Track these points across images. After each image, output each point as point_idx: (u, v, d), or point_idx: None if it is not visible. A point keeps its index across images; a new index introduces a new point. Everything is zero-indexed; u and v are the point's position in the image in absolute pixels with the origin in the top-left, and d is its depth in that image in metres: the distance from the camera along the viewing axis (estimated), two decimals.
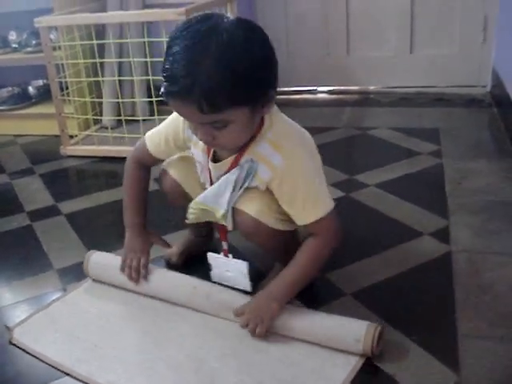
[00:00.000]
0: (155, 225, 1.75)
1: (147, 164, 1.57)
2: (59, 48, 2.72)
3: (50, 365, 1.34)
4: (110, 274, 1.59)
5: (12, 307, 1.60)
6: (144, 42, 2.61)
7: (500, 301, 1.45)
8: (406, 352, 1.30)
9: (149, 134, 1.52)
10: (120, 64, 2.93)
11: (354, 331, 1.28)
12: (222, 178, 1.35)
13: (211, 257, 1.52)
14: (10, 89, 3.20)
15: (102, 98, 2.91)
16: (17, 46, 3.19)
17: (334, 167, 2.33)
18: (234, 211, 1.37)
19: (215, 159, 1.38)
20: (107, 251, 1.67)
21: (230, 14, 2.85)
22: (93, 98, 2.81)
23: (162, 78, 1.15)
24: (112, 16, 2.58)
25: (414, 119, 2.88)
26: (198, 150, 1.42)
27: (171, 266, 1.68)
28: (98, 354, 1.36)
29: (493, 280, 1.53)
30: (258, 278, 1.53)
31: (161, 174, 1.58)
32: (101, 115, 2.92)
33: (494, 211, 1.88)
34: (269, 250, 1.51)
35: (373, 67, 3.38)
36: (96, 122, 2.94)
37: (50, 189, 2.39)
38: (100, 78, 2.71)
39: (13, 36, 3.23)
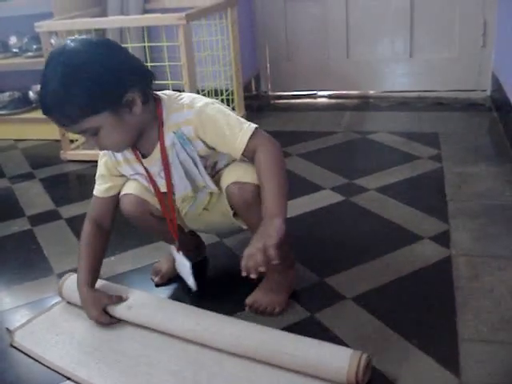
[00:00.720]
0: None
1: (105, 221, 1.53)
2: None
3: (50, 368, 1.35)
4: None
5: (12, 311, 1.60)
6: (144, 47, 2.61)
7: (500, 305, 1.45)
8: (407, 356, 1.29)
9: (94, 189, 1.54)
10: None
11: (338, 359, 1.21)
12: (172, 164, 1.41)
13: (172, 249, 1.58)
14: (11, 93, 3.19)
15: None
16: (17, 50, 3.20)
17: (333, 171, 2.34)
18: (229, 187, 1.40)
19: (145, 157, 1.44)
20: (107, 256, 1.67)
21: (230, 19, 2.86)
22: None
23: None
24: (112, 21, 2.59)
25: (414, 123, 2.89)
26: (129, 163, 1.46)
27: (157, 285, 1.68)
28: (97, 357, 1.36)
29: (493, 284, 1.53)
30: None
31: (120, 201, 1.52)
32: None
33: (494, 215, 1.89)
34: (253, 210, 1.41)
35: (372, 71, 3.39)
36: None
37: (51, 193, 2.39)
38: None
39: (13, 41, 3.24)
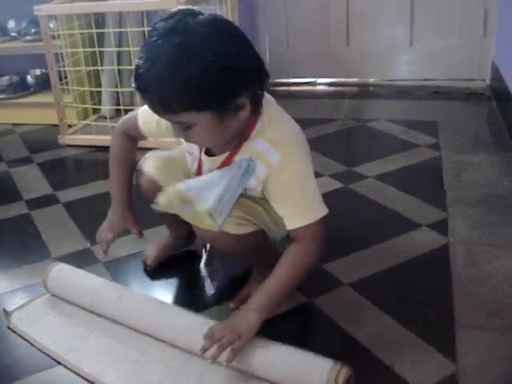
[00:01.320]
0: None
1: (134, 137, 1.50)
2: (58, 37, 2.71)
3: (43, 352, 1.35)
4: (70, 295, 1.52)
5: (10, 294, 1.60)
6: (144, 31, 2.59)
7: (497, 292, 1.45)
8: (404, 342, 1.30)
9: (142, 108, 1.41)
10: (119, 53, 2.92)
11: (316, 371, 1.15)
12: (216, 172, 1.28)
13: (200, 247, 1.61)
14: (9, 77, 3.18)
15: (100, 87, 2.90)
16: (16, 34, 3.17)
17: (332, 159, 2.34)
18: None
19: (209, 153, 1.33)
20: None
21: (230, 5, 2.85)
22: (92, 87, 2.80)
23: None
24: (112, 5, 2.57)
25: (413, 112, 2.88)
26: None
27: (146, 267, 1.68)
28: (90, 342, 1.36)
29: (490, 272, 1.53)
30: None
31: (137, 174, 1.51)
32: (99, 104, 2.91)
33: (492, 204, 1.89)
34: (239, 255, 1.48)
35: (372, 59, 3.38)
36: (95, 111, 2.94)
37: (48, 178, 2.39)
38: (99, 67, 2.70)
39: (12, 24, 3.21)
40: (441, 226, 1.77)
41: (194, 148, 1.36)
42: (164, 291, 1.59)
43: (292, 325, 1.41)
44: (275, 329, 1.37)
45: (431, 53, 3.25)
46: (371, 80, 3.41)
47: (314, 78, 3.51)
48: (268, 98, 1.28)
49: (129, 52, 2.72)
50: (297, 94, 3.40)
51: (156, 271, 1.66)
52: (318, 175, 2.14)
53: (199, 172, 1.37)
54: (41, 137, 2.90)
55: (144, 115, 1.41)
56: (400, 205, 1.92)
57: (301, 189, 1.25)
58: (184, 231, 1.66)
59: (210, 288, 1.53)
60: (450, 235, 1.72)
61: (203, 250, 1.57)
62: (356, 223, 1.84)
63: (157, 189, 1.41)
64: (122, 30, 2.70)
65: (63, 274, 1.54)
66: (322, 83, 3.49)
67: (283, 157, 1.23)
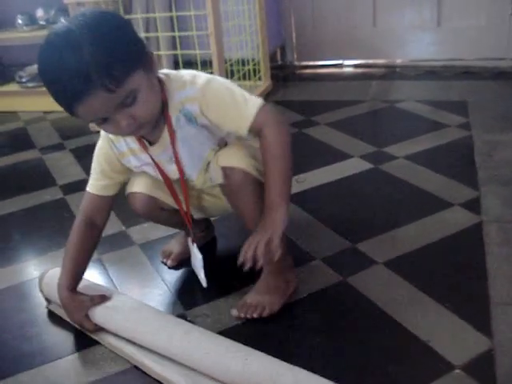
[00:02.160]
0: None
1: (99, 218, 1.45)
2: None
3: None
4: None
5: None
6: (171, 17, 2.61)
7: None
8: (440, 319, 1.31)
9: (88, 184, 1.44)
10: (147, 39, 2.94)
11: None
12: (178, 142, 1.32)
13: (188, 240, 1.52)
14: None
15: None
16: (44, 23, 3.21)
17: (362, 140, 2.34)
18: (221, 169, 1.33)
19: (151, 144, 1.34)
20: (140, 222, 1.70)
21: None
22: None
23: (54, 94, 1.12)
24: None
25: (442, 92, 2.87)
26: (134, 154, 1.37)
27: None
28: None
29: None
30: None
31: (128, 199, 1.49)
32: None
33: None
34: (250, 208, 1.37)
35: (399, 40, 3.36)
36: None
37: (81, 163, 2.43)
38: None
39: (40, 13, 3.25)
40: (473, 205, 1.77)
41: (142, 156, 1.36)
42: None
43: (328, 303, 1.42)
44: (311, 307, 1.40)
45: (459, 32, 3.22)
46: (398, 61, 3.39)
47: (340, 59, 3.51)
48: (165, 70, 1.32)
49: (157, 37, 2.74)
50: (324, 76, 3.39)
51: None
52: (347, 156, 2.19)
53: (164, 173, 1.39)
54: (72, 124, 2.93)
55: (92, 184, 1.43)
56: (431, 184, 1.92)
57: (230, 96, 1.27)
58: (201, 225, 1.67)
59: (204, 282, 1.47)
60: (482, 214, 1.71)
61: (191, 244, 1.50)
62: (387, 203, 1.85)
63: (154, 204, 1.46)
64: (151, 15, 2.71)
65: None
66: (348, 65, 3.49)
67: (197, 84, 1.27)
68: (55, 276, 1.44)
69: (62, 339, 1.41)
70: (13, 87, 3.23)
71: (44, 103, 3.11)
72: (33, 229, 1.93)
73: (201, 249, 1.50)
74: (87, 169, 2.35)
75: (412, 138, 2.31)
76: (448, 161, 2.10)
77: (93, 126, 2.76)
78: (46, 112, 3.10)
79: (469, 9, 3.18)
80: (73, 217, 1.93)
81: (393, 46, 3.38)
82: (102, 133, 1.37)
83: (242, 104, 1.26)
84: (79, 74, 1.07)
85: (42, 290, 1.52)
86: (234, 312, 1.40)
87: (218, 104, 1.27)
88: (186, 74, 1.31)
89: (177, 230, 1.72)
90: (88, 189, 1.43)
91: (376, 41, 3.39)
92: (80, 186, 2.17)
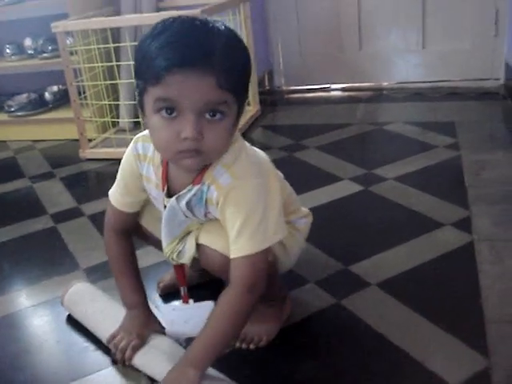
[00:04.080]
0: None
1: (125, 228, 1.39)
2: (75, 53, 2.75)
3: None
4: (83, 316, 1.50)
5: (44, 305, 1.63)
6: None
7: None
8: (435, 339, 1.31)
9: (110, 193, 1.36)
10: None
11: None
12: (169, 205, 1.22)
13: (165, 311, 1.43)
14: (27, 95, 3.23)
15: (118, 100, 2.94)
16: (32, 52, 3.22)
17: (351, 162, 2.36)
18: (199, 247, 1.24)
19: (170, 194, 1.23)
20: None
21: (243, 15, 2.88)
22: (110, 101, 2.84)
23: (161, 53, 1.01)
24: (129, 19, 2.61)
25: (429, 113, 2.90)
26: (151, 185, 1.27)
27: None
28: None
29: None
30: None
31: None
32: (118, 118, 2.94)
33: None
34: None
35: (386, 63, 3.40)
36: (114, 124, 2.97)
37: (72, 191, 2.42)
38: (117, 81, 2.74)
39: (28, 42, 3.26)
40: (464, 224, 1.78)
41: (154, 191, 1.27)
42: None
43: (322, 326, 1.42)
44: (306, 331, 1.40)
45: (444, 54, 3.27)
46: (385, 84, 3.43)
47: (327, 83, 3.54)
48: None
49: None
50: (311, 100, 3.42)
51: None
52: (337, 179, 2.20)
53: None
54: (61, 152, 2.94)
55: (114, 197, 1.35)
56: (422, 205, 1.93)
57: (244, 218, 1.13)
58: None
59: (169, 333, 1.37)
60: (473, 233, 1.73)
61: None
62: (378, 225, 1.86)
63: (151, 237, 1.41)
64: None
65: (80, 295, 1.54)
66: (336, 89, 3.52)
67: (234, 179, 1.15)
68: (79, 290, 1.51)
69: (57, 369, 1.39)
70: (1, 117, 3.23)
71: (33, 132, 3.13)
72: (24, 258, 1.92)
73: (192, 288, 1.43)
74: (78, 197, 2.38)
75: (401, 159, 2.33)
76: (437, 181, 2.11)
77: (83, 154, 2.76)
78: (34, 141, 3.09)
79: (453, 31, 3.23)
80: (64, 245, 1.94)
81: (379, 69, 3.42)
82: (130, 146, 1.28)
83: (245, 234, 1.14)
84: (204, 47, 1.02)
85: (63, 303, 1.54)
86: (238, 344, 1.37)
87: (231, 215, 1.15)
88: (238, 148, 1.18)
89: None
90: (113, 202, 1.35)
91: (362, 64, 3.43)
92: (71, 214, 2.18)
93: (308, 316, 1.44)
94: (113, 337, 1.36)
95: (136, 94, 1.12)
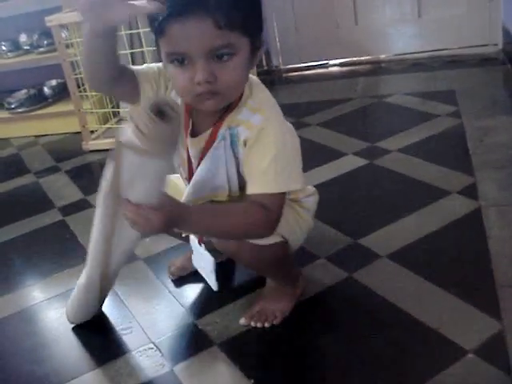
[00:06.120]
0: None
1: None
2: (71, 45, 2.75)
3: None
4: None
5: (58, 298, 1.65)
6: None
7: None
8: (447, 306, 1.32)
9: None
10: (132, 55, 2.94)
11: None
12: (206, 157, 1.22)
13: (192, 240, 1.41)
14: (26, 91, 3.23)
15: None
16: (28, 47, 3.21)
17: (354, 137, 2.35)
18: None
19: (193, 134, 1.25)
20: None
21: None
22: None
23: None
24: None
25: (429, 83, 2.88)
26: None
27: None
28: None
29: None
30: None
31: None
32: (118, 108, 2.94)
33: None
34: (260, 271, 1.43)
35: (382, 35, 3.38)
36: (115, 114, 2.97)
37: (77, 184, 2.43)
38: None
39: (23, 38, 3.25)
40: (470, 191, 1.78)
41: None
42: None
43: (336, 300, 1.43)
44: (319, 306, 1.41)
45: (441, 22, 3.24)
46: (383, 56, 3.41)
47: (325, 60, 3.52)
48: (255, 78, 1.26)
49: (142, 52, 2.75)
50: (310, 77, 3.41)
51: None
52: (341, 154, 2.20)
53: (190, 162, 1.28)
54: (64, 145, 2.95)
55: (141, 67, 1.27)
56: (427, 175, 1.93)
57: (275, 155, 1.15)
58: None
59: (215, 286, 1.41)
60: (480, 199, 1.73)
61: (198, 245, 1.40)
62: (385, 197, 1.86)
63: None
64: (134, 31, 2.72)
65: None
66: (334, 64, 3.50)
67: (266, 119, 1.17)
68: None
69: (75, 360, 1.41)
70: (2, 114, 3.23)
71: (35, 127, 3.13)
72: (35, 253, 1.93)
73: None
74: (84, 189, 2.39)
75: (404, 130, 2.32)
76: (441, 150, 2.11)
77: (86, 146, 2.77)
78: (37, 136, 3.09)
79: None
80: (74, 237, 1.95)
81: (376, 42, 3.40)
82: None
83: (270, 174, 1.15)
84: None
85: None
86: (244, 321, 1.39)
87: (259, 153, 1.17)
88: (267, 100, 1.22)
89: (179, 242, 1.72)
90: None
91: (359, 38, 3.41)
92: (78, 206, 2.19)
93: (321, 291, 1.45)
94: None
95: (155, 47, 1.15)
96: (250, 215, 1.16)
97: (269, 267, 1.35)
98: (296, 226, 1.35)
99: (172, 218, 1.08)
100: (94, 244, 1.31)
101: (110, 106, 2.89)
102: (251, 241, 1.22)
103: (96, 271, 1.36)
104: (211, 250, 1.36)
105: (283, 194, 1.19)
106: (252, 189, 1.18)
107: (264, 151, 1.16)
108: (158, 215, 1.05)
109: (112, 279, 1.42)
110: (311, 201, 1.42)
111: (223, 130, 1.20)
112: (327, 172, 2.08)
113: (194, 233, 1.33)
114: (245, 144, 1.18)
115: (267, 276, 1.44)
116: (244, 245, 1.22)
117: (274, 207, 1.17)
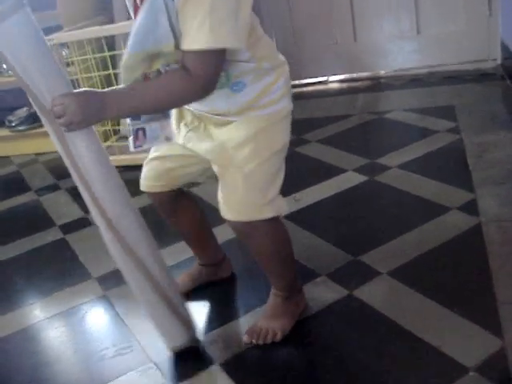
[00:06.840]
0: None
1: None
2: (72, 64, 2.76)
3: None
4: None
5: (58, 316, 1.64)
6: None
7: None
8: (449, 323, 1.32)
9: None
10: None
11: None
12: (145, 1, 1.06)
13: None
14: (27, 109, 3.24)
15: None
16: None
17: (354, 153, 2.36)
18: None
19: None
20: None
21: None
22: None
23: None
24: (122, 27, 2.61)
25: (428, 99, 2.89)
26: None
27: None
28: None
29: None
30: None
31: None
32: (118, 125, 2.95)
33: None
34: (269, 256, 1.37)
35: (381, 51, 3.39)
36: (115, 132, 2.98)
37: (78, 202, 2.42)
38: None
39: None
40: (471, 207, 1.78)
41: None
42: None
43: (337, 318, 1.43)
44: (322, 323, 1.41)
45: (439, 38, 3.25)
46: (382, 72, 3.42)
47: (325, 76, 3.53)
48: None
49: None
50: (310, 93, 3.42)
51: None
52: (341, 171, 2.20)
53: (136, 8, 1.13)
54: (64, 163, 2.94)
55: None
56: (427, 191, 1.93)
57: (211, 5, 1.02)
58: (211, 256, 1.63)
59: (131, 146, 1.26)
60: (481, 215, 1.73)
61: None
62: (385, 213, 1.86)
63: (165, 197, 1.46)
64: None
65: None
66: (333, 81, 3.51)
67: None
68: None
69: (76, 379, 1.40)
70: (3, 132, 3.24)
71: (35, 145, 3.13)
72: (36, 271, 1.93)
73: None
74: (84, 207, 2.34)
75: (403, 146, 2.33)
76: (441, 166, 2.12)
77: None
78: (37, 154, 3.10)
79: (447, 14, 3.21)
80: (75, 255, 1.95)
81: (375, 58, 3.41)
82: None
83: (205, 27, 1.02)
84: None
85: None
86: (246, 339, 1.38)
87: (195, 3, 1.03)
88: None
89: (180, 260, 1.72)
90: None
91: (358, 54, 3.42)
92: (79, 224, 2.19)
93: (322, 309, 1.44)
94: None
95: None
96: (173, 84, 1.10)
97: (278, 252, 1.35)
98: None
99: (88, 102, 1.11)
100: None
101: (110, 124, 2.90)
102: (262, 222, 1.25)
103: None
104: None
105: (220, 51, 1.08)
106: (187, 44, 1.06)
107: (198, 4, 1.03)
108: (71, 97, 1.09)
109: None
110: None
111: None
112: (327, 189, 2.08)
113: (124, 116, 1.30)
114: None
115: (274, 268, 1.40)
116: (257, 226, 1.25)
117: (202, 68, 1.08)
